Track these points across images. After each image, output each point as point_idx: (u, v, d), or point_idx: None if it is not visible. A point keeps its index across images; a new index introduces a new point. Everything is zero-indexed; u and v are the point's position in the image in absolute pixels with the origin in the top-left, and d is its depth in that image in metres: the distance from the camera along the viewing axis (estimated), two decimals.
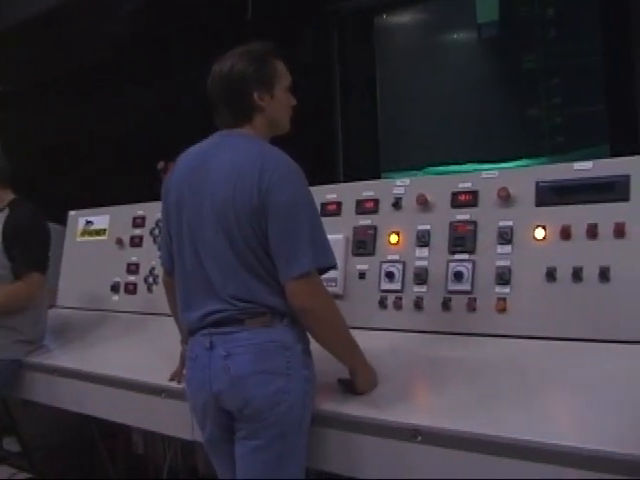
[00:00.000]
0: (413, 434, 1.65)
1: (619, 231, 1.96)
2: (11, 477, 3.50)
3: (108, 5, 4.50)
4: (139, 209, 3.42)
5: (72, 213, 3.83)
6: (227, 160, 1.82)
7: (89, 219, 3.69)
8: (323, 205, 2.58)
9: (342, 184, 3.00)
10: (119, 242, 3.44)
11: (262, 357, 1.77)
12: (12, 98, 5.36)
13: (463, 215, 2.28)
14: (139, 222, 3.40)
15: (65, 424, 3.36)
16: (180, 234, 1.89)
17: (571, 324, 2.00)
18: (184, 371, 2.00)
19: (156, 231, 3.24)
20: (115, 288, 3.39)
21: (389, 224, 2.45)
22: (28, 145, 4.93)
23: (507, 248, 2.17)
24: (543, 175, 2.18)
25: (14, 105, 5.36)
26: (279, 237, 1.76)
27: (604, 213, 2.01)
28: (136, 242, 3.39)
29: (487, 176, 2.29)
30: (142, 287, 3.27)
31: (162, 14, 4.38)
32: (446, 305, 2.24)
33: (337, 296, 2.38)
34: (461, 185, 2.32)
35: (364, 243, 2.48)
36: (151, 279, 3.23)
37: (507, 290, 2.14)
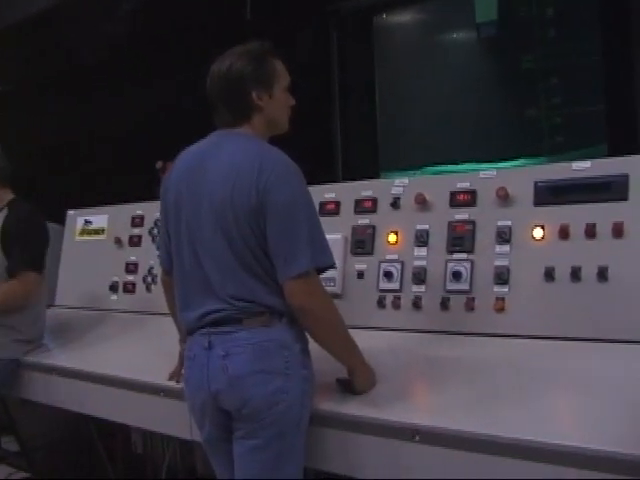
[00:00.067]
0: (412, 434, 1.65)
1: (617, 231, 1.97)
2: (9, 477, 3.50)
3: (107, 5, 4.51)
4: (138, 209, 3.42)
5: (71, 212, 3.83)
6: (225, 160, 1.82)
7: (88, 218, 3.69)
8: (322, 204, 2.59)
9: (341, 183, 3.00)
10: (118, 241, 3.45)
11: (260, 357, 1.77)
12: (11, 98, 5.36)
13: (461, 215, 2.28)
14: (138, 222, 3.40)
15: (64, 423, 3.36)
16: (178, 234, 1.89)
17: (569, 324, 2.00)
18: (182, 371, 2.00)
19: (155, 231, 3.24)
20: (114, 287, 3.39)
21: (388, 224, 2.45)
22: (28, 145, 4.93)
23: (505, 248, 2.17)
24: (541, 175, 2.18)
25: (13, 105, 5.35)
26: (278, 237, 1.76)
27: (602, 213, 2.01)
28: (135, 242, 3.39)
29: (485, 176, 2.29)
30: (141, 286, 3.28)
31: (162, 14, 4.38)
32: (444, 305, 2.24)
33: (336, 295, 2.39)
34: (459, 185, 2.32)
35: (363, 243, 2.48)
36: (150, 278, 3.24)
37: (505, 290, 2.14)
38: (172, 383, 2.17)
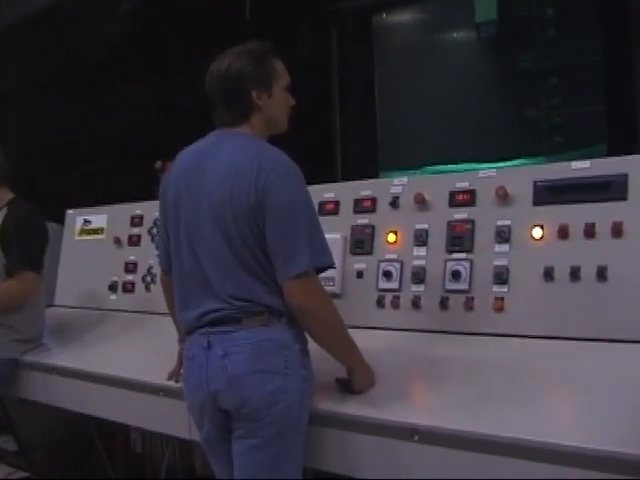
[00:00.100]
0: (411, 433, 1.65)
1: (617, 230, 1.96)
2: (8, 476, 3.49)
3: (107, 4, 4.51)
4: (137, 208, 3.42)
5: (70, 212, 3.83)
6: (225, 159, 1.82)
7: (87, 218, 3.69)
8: (321, 204, 2.58)
9: (340, 183, 3.00)
10: (117, 241, 3.44)
11: (259, 356, 1.77)
12: (11, 97, 5.36)
13: (461, 214, 2.28)
14: (137, 221, 3.40)
15: (63, 423, 3.36)
16: (178, 233, 1.88)
17: (569, 323, 2.00)
18: (182, 370, 1.99)
19: (154, 230, 3.24)
20: (113, 287, 3.39)
21: (387, 223, 2.45)
22: (27, 145, 4.93)
23: (505, 247, 2.17)
24: (541, 174, 2.18)
25: (13, 104, 5.35)
26: (277, 237, 1.76)
27: (602, 212, 2.01)
28: (134, 241, 3.39)
29: (485, 175, 2.29)
30: (140, 286, 3.27)
31: (162, 14, 4.38)
32: (444, 304, 2.24)
33: (335, 295, 2.39)
34: (459, 184, 2.32)
35: (362, 242, 2.48)
36: (149, 278, 3.23)
37: (505, 289, 2.14)
38: (171, 383, 2.17)
